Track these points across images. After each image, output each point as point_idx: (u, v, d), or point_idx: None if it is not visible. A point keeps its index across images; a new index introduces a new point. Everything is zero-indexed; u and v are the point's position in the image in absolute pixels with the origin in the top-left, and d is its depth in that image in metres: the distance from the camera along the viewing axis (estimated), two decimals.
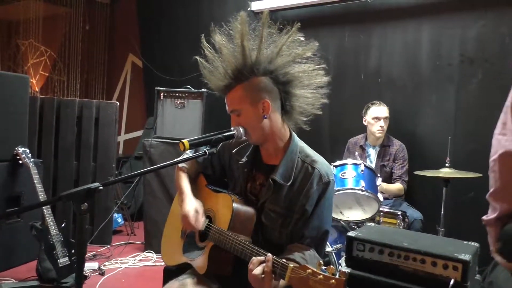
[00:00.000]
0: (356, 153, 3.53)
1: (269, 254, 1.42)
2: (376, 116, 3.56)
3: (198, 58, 1.74)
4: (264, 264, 1.40)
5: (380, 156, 3.62)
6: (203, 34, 1.75)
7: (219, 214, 1.73)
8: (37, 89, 6.95)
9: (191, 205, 1.74)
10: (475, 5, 3.52)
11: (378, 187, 3.10)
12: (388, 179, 3.56)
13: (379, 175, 3.20)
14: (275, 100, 1.65)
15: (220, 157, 1.90)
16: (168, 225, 2.02)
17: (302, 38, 1.67)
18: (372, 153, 3.68)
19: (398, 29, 3.90)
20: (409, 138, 3.75)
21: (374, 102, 3.63)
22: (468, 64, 3.55)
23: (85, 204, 1.20)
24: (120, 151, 6.59)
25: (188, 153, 1.83)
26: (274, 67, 1.63)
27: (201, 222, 1.72)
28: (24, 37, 6.84)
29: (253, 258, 1.44)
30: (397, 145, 3.62)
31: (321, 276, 1.23)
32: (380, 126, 3.55)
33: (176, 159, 1.58)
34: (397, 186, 3.49)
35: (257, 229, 1.70)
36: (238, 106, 1.65)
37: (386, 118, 3.57)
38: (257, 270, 1.40)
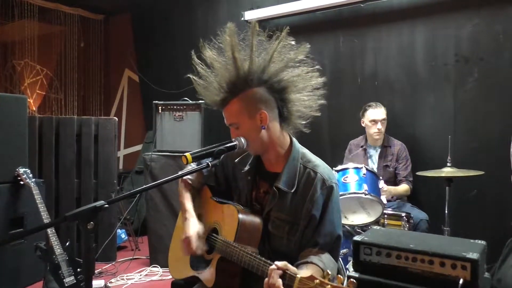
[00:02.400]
0: (358, 151, 3.57)
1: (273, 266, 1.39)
2: (373, 119, 3.57)
3: (191, 76, 1.74)
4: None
5: (382, 156, 3.62)
6: (193, 51, 1.75)
7: (225, 226, 1.73)
8: (34, 109, 6.95)
9: (193, 229, 1.74)
10: (468, 4, 3.54)
11: (385, 192, 3.10)
12: (392, 179, 3.55)
13: (381, 177, 3.20)
14: (272, 110, 1.65)
15: (224, 168, 1.90)
16: (175, 239, 2.02)
17: (292, 42, 1.67)
18: (374, 154, 3.68)
19: (392, 32, 3.92)
20: (409, 139, 3.76)
21: (370, 104, 3.63)
22: (464, 63, 3.57)
23: (91, 223, 1.20)
24: (120, 166, 6.58)
25: (193, 166, 1.83)
26: (267, 76, 1.63)
27: (200, 248, 1.72)
28: (20, 57, 6.85)
29: (273, 273, 1.35)
30: (398, 145, 3.62)
31: (329, 286, 1.21)
32: (378, 129, 3.56)
33: (179, 173, 1.58)
34: (404, 188, 3.49)
35: (264, 238, 1.69)
36: (235, 120, 1.65)
37: (383, 120, 3.57)
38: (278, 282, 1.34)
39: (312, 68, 1.69)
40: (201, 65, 1.71)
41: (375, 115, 3.57)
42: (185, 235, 1.72)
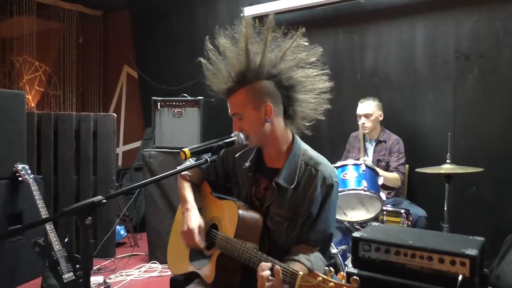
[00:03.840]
0: (355, 144, 3.65)
1: (277, 266, 1.39)
2: (358, 113, 3.60)
3: (202, 60, 1.73)
4: (272, 275, 1.37)
5: (376, 151, 3.62)
6: (207, 37, 1.75)
7: (225, 222, 1.72)
8: (33, 105, 6.94)
9: (196, 221, 1.74)
10: (468, 1, 3.53)
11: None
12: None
13: (381, 174, 3.19)
14: (277, 104, 1.65)
15: (224, 163, 1.90)
16: (173, 234, 2.01)
17: (306, 44, 1.67)
18: (369, 147, 3.67)
19: (392, 28, 3.91)
20: (408, 136, 3.75)
21: (363, 99, 3.63)
22: (464, 60, 3.56)
23: (89, 218, 1.19)
24: (119, 163, 6.58)
25: (191, 161, 1.82)
26: (277, 71, 1.63)
27: (201, 241, 1.72)
28: (18, 54, 6.83)
29: (262, 264, 1.42)
30: (392, 139, 3.60)
31: (332, 283, 1.20)
32: (361, 123, 3.58)
33: (177, 168, 1.57)
34: (394, 175, 3.46)
35: (263, 234, 1.69)
36: (240, 110, 1.65)
37: (367, 114, 3.55)
38: (268, 281, 1.37)
39: (322, 72, 1.69)
40: (213, 51, 1.70)
41: (359, 110, 3.60)
42: (187, 226, 1.71)
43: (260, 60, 1.61)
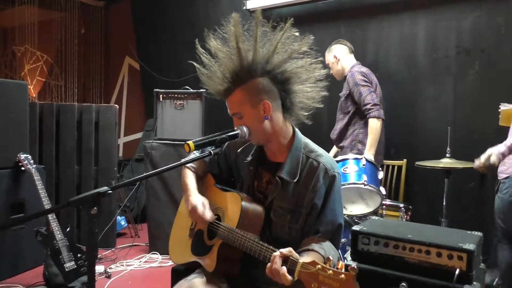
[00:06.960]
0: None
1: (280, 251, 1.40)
2: None
3: (195, 64, 1.74)
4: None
5: (344, 88, 3.57)
6: (197, 40, 1.75)
7: (227, 212, 1.75)
8: (34, 95, 6.95)
9: (198, 198, 1.78)
10: None
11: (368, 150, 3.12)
12: (349, 114, 3.46)
13: (379, 168, 3.21)
14: (275, 100, 1.66)
15: (227, 157, 1.92)
16: (176, 225, 2.04)
17: (296, 34, 1.67)
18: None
19: (394, 23, 3.92)
20: (409, 130, 3.77)
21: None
22: (465, 55, 3.57)
23: (95, 208, 1.22)
24: (120, 154, 6.59)
25: (195, 153, 1.85)
26: (271, 67, 1.63)
27: (209, 214, 1.74)
28: (20, 43, 6.83)
29: (274, 254, 1.39)
30: (349, 73, 3.46)
31: (330, 271, 1.24)
32: None
33: (181, 161, 1.59)
34: (371, 128, 3.23)
35: (265, 227, 1.71)
36: (239, 109, 1.66)
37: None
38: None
39: (315, 60, 1.69)
40: (205, 55, 1.71)
41: None
42: (190, 205, 1.75)
43: (252, 56, 1.61)
